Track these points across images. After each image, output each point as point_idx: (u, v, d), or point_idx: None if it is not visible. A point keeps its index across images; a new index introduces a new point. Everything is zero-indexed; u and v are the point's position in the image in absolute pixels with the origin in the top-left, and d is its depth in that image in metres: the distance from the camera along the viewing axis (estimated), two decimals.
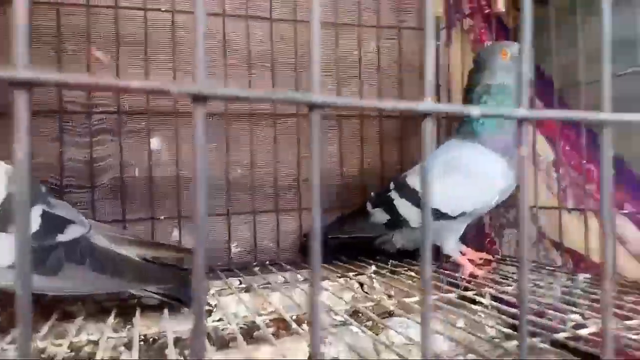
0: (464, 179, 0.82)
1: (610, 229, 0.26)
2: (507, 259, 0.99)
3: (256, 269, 0.95)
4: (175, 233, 0.99)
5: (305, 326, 0.67)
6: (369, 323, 0.73)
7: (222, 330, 0.70)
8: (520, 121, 0.24)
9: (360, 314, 0.74)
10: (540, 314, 0.62)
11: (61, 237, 0.58)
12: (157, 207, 0.97)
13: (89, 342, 0.60)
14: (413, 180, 0.88)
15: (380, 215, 0.91)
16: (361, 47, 1.13)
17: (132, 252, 0.66)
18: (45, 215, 0.59)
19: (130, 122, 0.96)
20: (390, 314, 0.75)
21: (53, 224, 0.59)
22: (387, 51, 1.15)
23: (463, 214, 0.83)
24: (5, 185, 0.56)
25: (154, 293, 0.62)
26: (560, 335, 0.54)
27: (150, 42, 0.97)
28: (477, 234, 1.09)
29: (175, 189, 0.99)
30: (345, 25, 1.11)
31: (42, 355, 0.59)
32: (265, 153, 1.06)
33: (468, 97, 0.87)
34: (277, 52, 1.06)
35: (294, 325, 0.54)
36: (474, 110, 0.22)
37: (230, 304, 0.73)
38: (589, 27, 0.81)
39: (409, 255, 0.96)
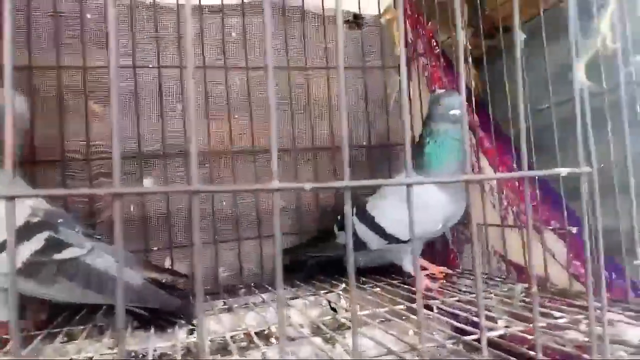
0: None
1: (529, 241, 0.37)
2: (466, 272, 1.09)
3: (241, 291, 1.07)
4: (167, 262, 1.11)
5: (273, 339, 0.79)
6: (327, 335, 0.84)
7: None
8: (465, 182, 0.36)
9: (319, 328, 0.85)
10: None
11: (57, 256, 0.73)
12: (151, 240, 1.10)
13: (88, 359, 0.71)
14: (371, 206, 1.00)
15: (343, 238, 1.02)
16: (329, 87, 1.26)
17: (138, 272, 0.80)
18: (49, 239, 0.75)
19: (125, 165, 1.09)
20: (344, 327, 0.86)
21: (53, 245, 0.74)
22: (353, 89, 1.28)
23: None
24: (25, 215, 0.73)
25: (136, 308, 0.74)
26: (491, 334, 0.64)
27: (140, 94, 1.11)
28: (442, 250, 1.20)
29: (167, 223, 1.11)
30: (315, 69, 1.25)
31: None
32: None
33: (420, 138, 0.99)
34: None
35: (255, 339, 0.66)
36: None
37: (210, 323, 0.85)
38: (533, 58, 0.90)
39: (379, 272, 1.07)
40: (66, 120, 1.06)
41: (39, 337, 0.72)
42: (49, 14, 1.07)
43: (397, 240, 0.95)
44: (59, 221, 0.80)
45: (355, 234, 1.01)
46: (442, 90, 0.99)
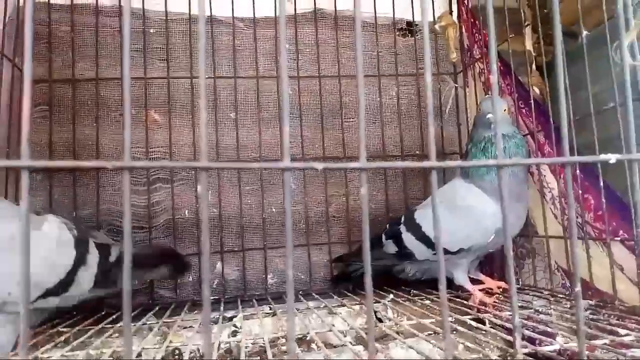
0: (459, 219, 0.89)
1: (573, 236, 0.34)
2: (525, 287, 1.02)
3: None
4: (219, 265, 1.13)
5: (314, 345, 0.77)
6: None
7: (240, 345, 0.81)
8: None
9: (362, 337, 0.82)
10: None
11: (110, 259, 0.80)
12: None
13: None
14: (419, 214, 0.96)
15: (391, 247, 0.99)
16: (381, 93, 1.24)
17: None
18: (97, 246, 0.81)
19: (180, 172, 1.13)
20: (386, 336, 0.82)
21: (103, 251, 0.81)
22: (406, 96, 1.26)
23: (461, 250, 0.90)
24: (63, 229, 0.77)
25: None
26: (545, 349, 0.59)
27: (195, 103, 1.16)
28: (502, 263, 1.13)
29: (219, 227, 1.14)
30: (367, 77, 1.24)
31: None
32: (296, 193, 1.18)
33: (466, 146, 0.96)
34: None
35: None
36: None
37: (253, 326, 0.85)
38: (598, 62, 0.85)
39: (431, 284, 1.02)
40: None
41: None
42: (115, 29, 1.15)
43: (445, 251, 0.90)
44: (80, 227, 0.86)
45: (401, 243, 0.97)
46: (489, 96, 0.97)
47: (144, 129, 1.13)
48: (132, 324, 0.82)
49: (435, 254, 0.88)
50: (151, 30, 1.16)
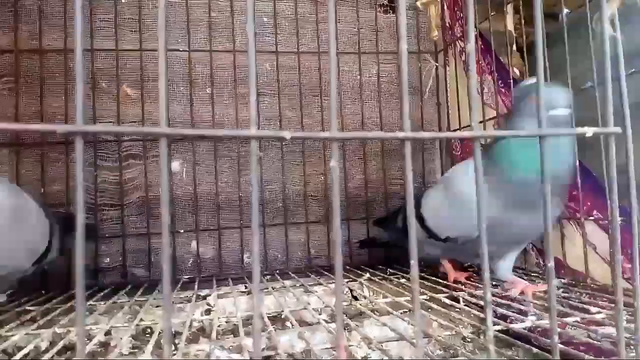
0: (449, 205, 0.83)
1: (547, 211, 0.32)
2: None
3: (266, 277, 1.05)
4: (194, 244, 1.11)
5: (288, 323, 0.76)
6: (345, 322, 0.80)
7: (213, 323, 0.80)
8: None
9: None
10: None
11: None
12: (178, 222, 1.10)
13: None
14: (425, 196, 0.91)
15: (400, 222, 1.00)
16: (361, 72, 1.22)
17: None
18: None
19: (154, 148, 1.10)
20: (362, 314, 0.82)
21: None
22: (387, 75, 1.24)
23: (448, 239, 0.84)
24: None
25: None
26: (517, 326, 0.59)
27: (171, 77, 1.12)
28: None
29: (194, 205, 1.11)
30: (347, 54, 1.21)
31: None
32: (274, 172, 1.17)
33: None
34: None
35: (267, 322, 0.63)
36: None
37: (227, 305, 0.83)
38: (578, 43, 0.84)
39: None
40: (98, 102, 1.08)
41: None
42: None
43: (436, 237, 0.86)
44: None
45: (406, 223, 0.95)
46: (533, 80, 0.75)
47: (116, 103, 1.09)
48: (102, 302, 0.81)
49: (429, 237, 0.87)
50: (122, 0, 1.11)
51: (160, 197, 0.27)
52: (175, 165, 1.11)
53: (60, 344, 0.60)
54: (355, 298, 0.91)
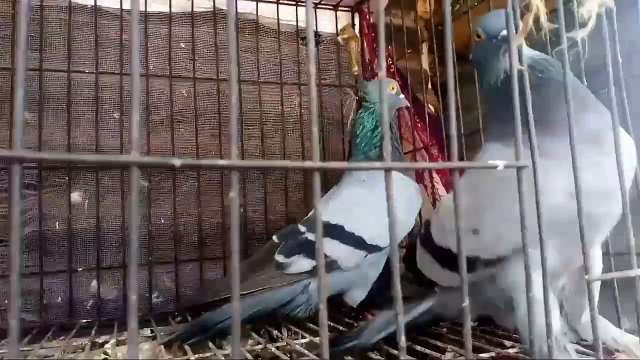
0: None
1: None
2: None
3: (177, 319, 0.96)
4: (94, 283, 1.00)
5: None
6: None
7: None
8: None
9: None
10: None
11: None
12: (76, 259, 0.99)
13: None
14: (331, 214, 0.85)
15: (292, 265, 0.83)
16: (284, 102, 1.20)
17: None
18: None
19: (51, 177, 0.99)
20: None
21: None
22: (309, 105, 1.23)
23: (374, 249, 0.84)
24: None
25: None
26: None
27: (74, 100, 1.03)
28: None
29: (96, 241, 1.01)
30: (269, 84, 1.19)
31: None
32: (189, 204, 1.10)
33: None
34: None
35: None
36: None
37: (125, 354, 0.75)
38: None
39: None
40: None
41: None
42: None
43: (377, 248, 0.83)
44: None
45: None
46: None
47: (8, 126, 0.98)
48: None
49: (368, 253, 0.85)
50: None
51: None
52: (75, 196, 1.01)
53: None
54: (274, 340, 0.85)
